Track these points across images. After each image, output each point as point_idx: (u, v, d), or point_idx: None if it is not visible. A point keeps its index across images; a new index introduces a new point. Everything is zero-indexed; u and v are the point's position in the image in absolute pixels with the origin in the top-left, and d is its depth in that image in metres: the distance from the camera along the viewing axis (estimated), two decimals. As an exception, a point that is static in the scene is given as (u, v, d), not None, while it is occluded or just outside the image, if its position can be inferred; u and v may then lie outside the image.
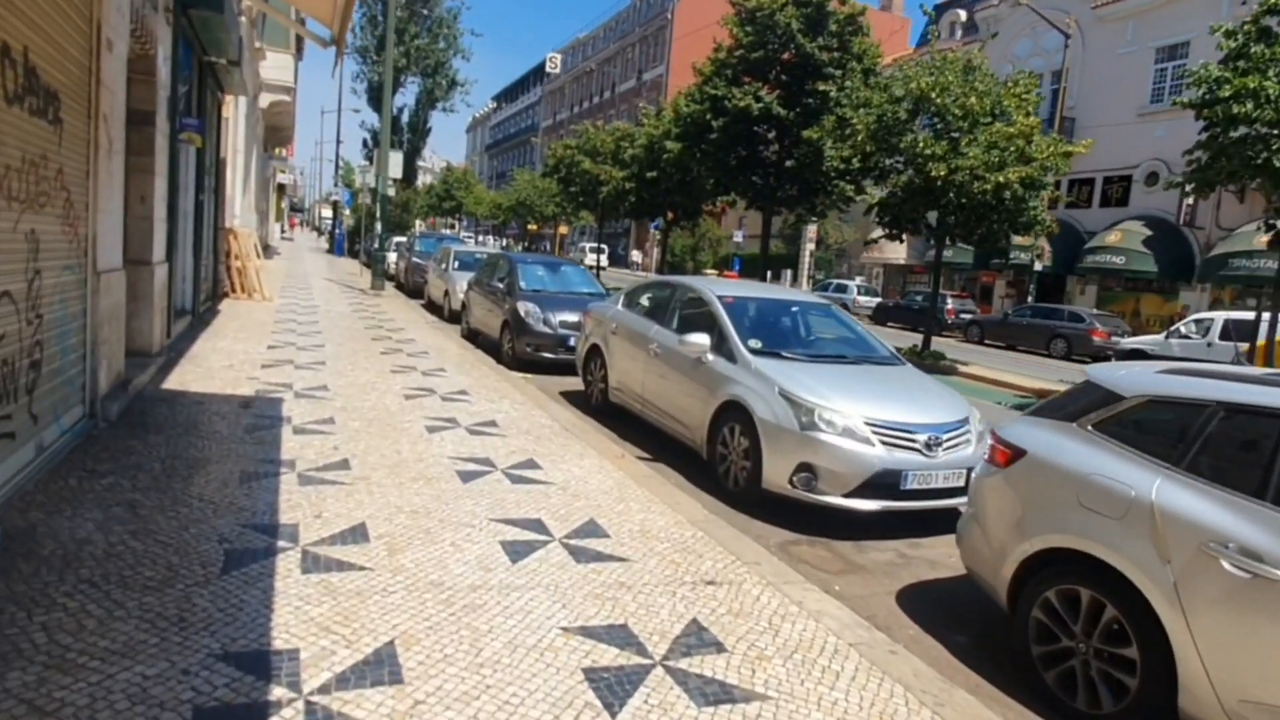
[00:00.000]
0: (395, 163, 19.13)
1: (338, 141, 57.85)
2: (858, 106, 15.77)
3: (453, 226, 73.57)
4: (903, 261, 35.18)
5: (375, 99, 37.29)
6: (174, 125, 8.43)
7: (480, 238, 59.80)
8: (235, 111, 15.74)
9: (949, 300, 26.97)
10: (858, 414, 5.46)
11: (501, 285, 11.76)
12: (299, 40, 30.86)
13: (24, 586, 3.27)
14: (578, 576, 4.00)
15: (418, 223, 53.92)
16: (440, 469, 5.56)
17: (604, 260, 46.48)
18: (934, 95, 14.52)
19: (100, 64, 5.38)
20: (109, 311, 5.93)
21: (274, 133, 33.35)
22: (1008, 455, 3.89)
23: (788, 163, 19.55)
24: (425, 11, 34.84)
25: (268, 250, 33.23)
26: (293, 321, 12.49)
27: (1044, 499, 3.64)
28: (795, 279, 43.90)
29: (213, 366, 8.24)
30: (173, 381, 7.38)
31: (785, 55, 19.72)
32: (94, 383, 5.58)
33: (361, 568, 3.82)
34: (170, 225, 8.53)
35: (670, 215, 28.20)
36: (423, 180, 69.68)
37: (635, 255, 59.54)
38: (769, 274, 24.47)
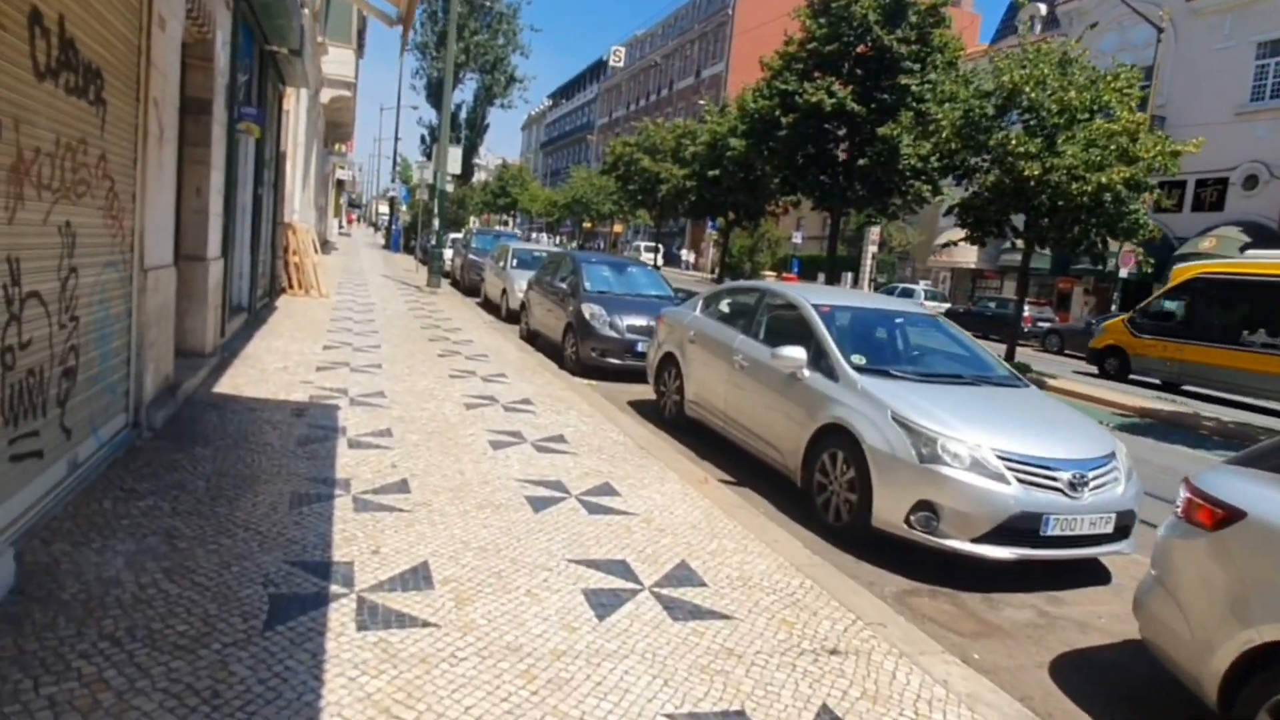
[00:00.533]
0: (454, 158, 18.80)
1: (396, 138, 58.04)
2: (942, 101, 14.84)
3: (506, 223, 73.85)
4: (973, 265, 33.81)
5: (434, 95, 37.29)
6: (232, 115, 8.05)
7: (534, 235, 59.67)
8: (296, 105, 15.52)
9: (1026, 307, 25.62)
10: (988, 445, 4.72)
11: (565, 286, 11.20)
12: (360, 35, 30.99)
13: (35, 644, 2.76)
14: (677, 640, 3.37)
15: (473, 219, 54.07)
16: (508, 494, 4.98)
17: (659, 259, 45.89)
18: (1028, 89, 13.53)
19: (151, 43, 4.93)
20: (157, 311, 5.50)
21: (334, 129, 33.53)
22: (1217, 515, 3.13)
23: (860, 161, 18.64)
24: (487, 4, 34.62)
25: (325, 246, 33.46)
26: (349, 320, 12.14)
27: (1277, 578, 2.88)
28: (856, 282, 42.62)
29: (266, 368, 7.84)
30: (224, 384, 6.97)
31: (860, 48, 18.82)
32: (139, 389, 5.14)
33: (425, 623, 3.25)
34: (226, 220, 8.16)
35: (731, 215, 27.42)
36: (478, 177, 69.99)
37: (686, 255, 58.75)
38: (831, 276, 23.52)
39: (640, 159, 30.74)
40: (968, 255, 33.89)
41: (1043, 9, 33.78)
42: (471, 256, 20.31)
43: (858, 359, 5.65)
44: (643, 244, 54.24)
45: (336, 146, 36.24)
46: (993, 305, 27.28)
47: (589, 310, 10.27)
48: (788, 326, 6.32)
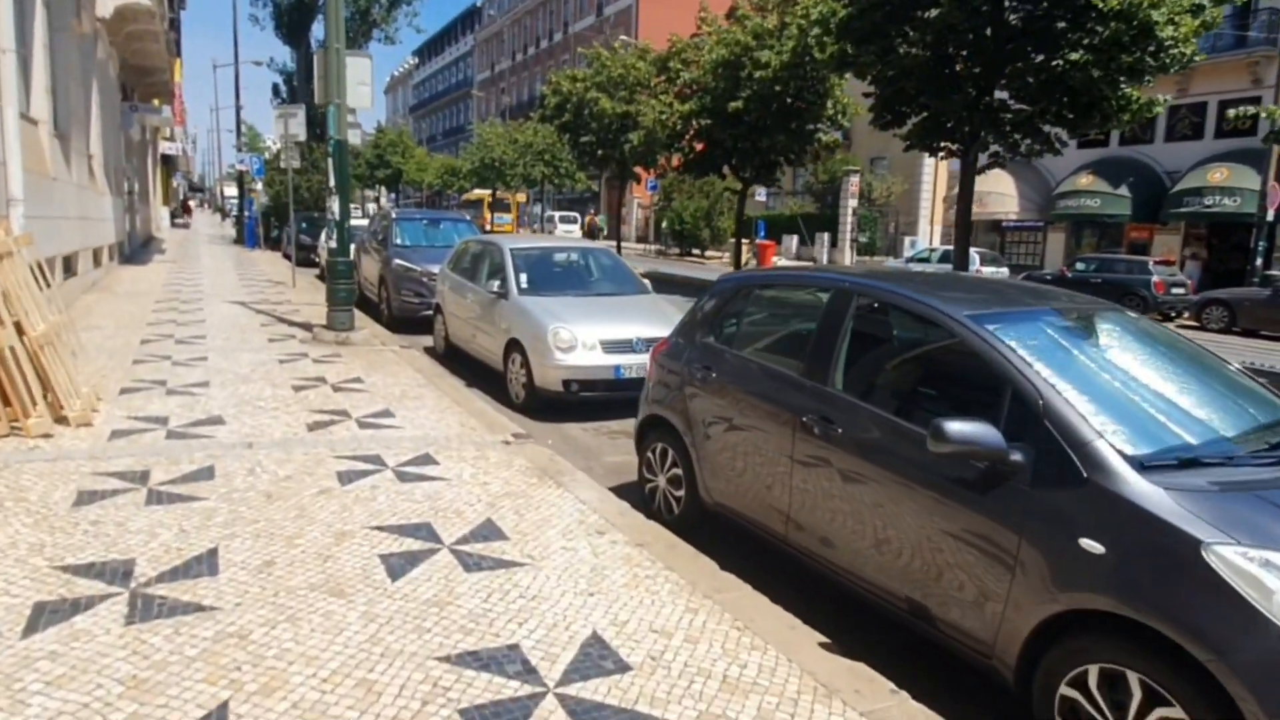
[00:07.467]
0: (360, 73, 9.67)
1: (236, 93, 43.16)
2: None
3: (377, 200, 62.47)
4: (1014, 217, 27.14)
5: (286, 28, 27.05)
6: None
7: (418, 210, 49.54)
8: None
9: (1152, 269, 19.08)
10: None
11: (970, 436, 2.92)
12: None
13: None
14: None
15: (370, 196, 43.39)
16: None
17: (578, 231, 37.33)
18: None
19: None
20: None
21: (139, 75, 23.09)
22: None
23: (1056, 62, 11.03)
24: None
25: (146, 246, 23.29)
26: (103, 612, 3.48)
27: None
28: (835, 243, 35.55)
29: None
30: None
31: None
32: None
33: None
34: None
35: (747, 169, 19.32)
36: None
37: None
38: (961, 254, 15.74)
39: (598, 99, 22.14)
40: (1005, 204, 27.36)
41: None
42: (399, 262, 11.42)
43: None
44: (558, 215, 45.34)
45: (156, 101, 25.60)
46: (1086, 267, 20.59)
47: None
48: None
